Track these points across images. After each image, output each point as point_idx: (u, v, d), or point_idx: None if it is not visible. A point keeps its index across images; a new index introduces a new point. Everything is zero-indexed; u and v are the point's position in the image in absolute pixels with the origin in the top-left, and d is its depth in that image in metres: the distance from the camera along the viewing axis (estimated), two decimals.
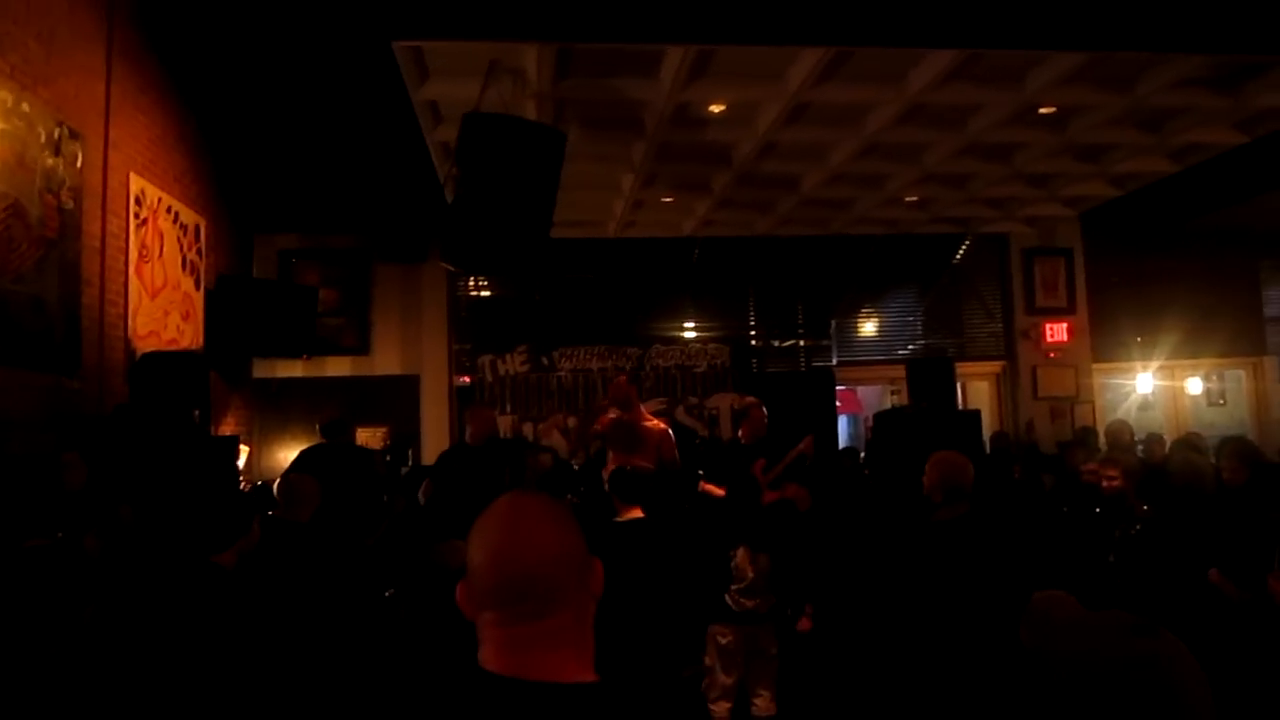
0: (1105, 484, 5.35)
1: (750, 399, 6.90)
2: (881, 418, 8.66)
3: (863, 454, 9.68)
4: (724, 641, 4.87)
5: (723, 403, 9.93)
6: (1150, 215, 9.51)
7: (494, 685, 1.31)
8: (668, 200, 8.74)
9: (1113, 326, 10.83)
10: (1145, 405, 11.20)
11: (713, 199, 8.53)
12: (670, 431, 6.81)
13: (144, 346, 6.46)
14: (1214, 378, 11.61)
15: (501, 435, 9.36)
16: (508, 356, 9.89)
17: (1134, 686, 1.34)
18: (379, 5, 4.94)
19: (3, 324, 4.81)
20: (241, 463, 7.62)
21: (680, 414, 9.95)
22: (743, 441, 6.53)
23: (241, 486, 6.95)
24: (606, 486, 6.52)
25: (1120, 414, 10.95)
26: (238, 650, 2.92)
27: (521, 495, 1.49)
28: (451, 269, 6.78)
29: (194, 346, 7.39)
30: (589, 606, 1.41)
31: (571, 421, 9.85)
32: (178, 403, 6.01)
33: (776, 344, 10.79)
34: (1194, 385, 11.49)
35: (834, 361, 10.63)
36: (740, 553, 4.91)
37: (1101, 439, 8.73)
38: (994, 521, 4.44)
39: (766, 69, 5.91)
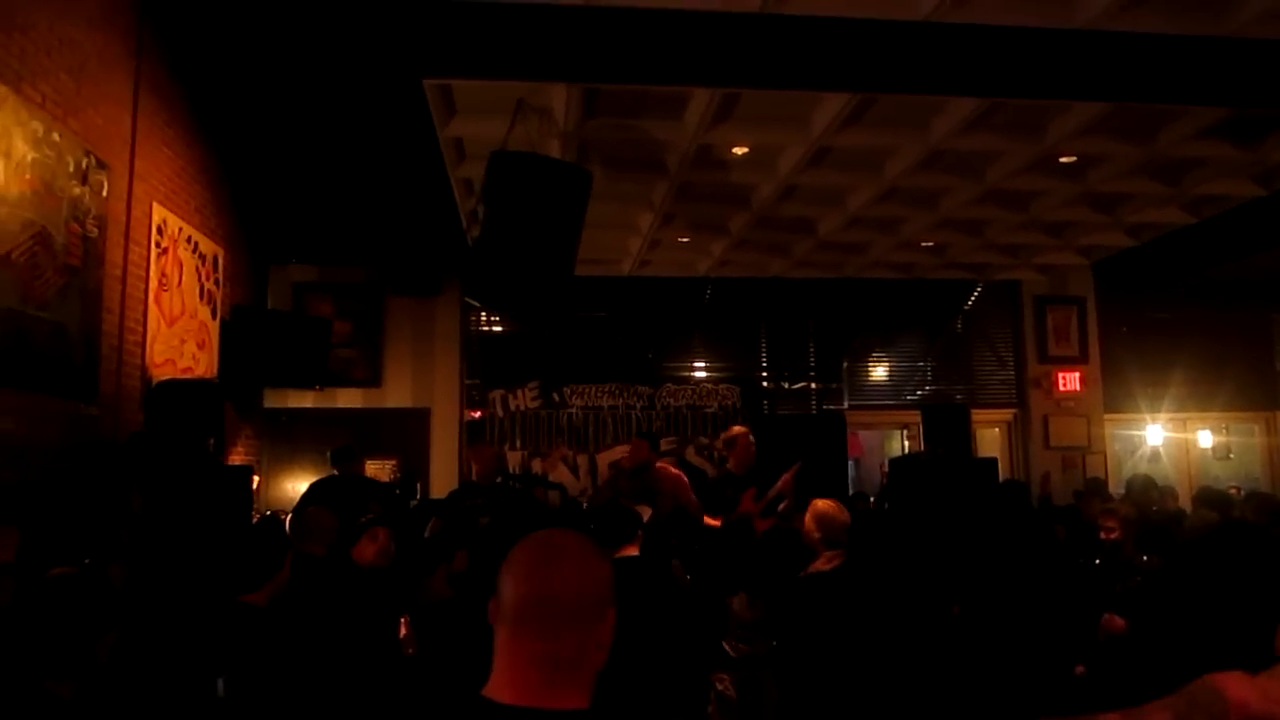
0: (1104, 534, 5.31)
1: (737, 428, 6.87)
2: (898, 464, 8.60)
3: (872, 499, 9.61)
4: (722, 688, 4.82)
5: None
6: (1164, 266, 9.53)
7: (495, 714, 1.41)
8: (684, 240, 8.77)
9: (1123, 377, 10.79)
10: (1155, 457, 11.15)
11: (729, 240, 8.57)
12: (684, 477, 6.78)
13: (160, 374, 6.44)
14: (1222, 431, 11.57)
15: (511, 470, 9.34)
16: (519, 392, 9.86)
17: None
18: (412, 43, 4.98)
19: (25, 350, 4.79)
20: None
21: (690, 454, 9.89)
22: (733, 472, 6.51)
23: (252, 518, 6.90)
24: None
25: (1130, 465, 10.93)
26: (262, 691, 2.87)
27: (565, 531, 1.60)
28: (476, 303, 6.79)
29: (208, 375, 7.36)
30: (596, 649, 1.49)
31: (580, 459, 9.81)
32: (193, 431, 5.98)
33: (787, 386, 10.76)
34: (1204, 438, 11.44)
35: (845, 405, 10.60)
36: (738, 599, 4.86)
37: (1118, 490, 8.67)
38: (871, 573, 4.40)
39: (791, 113, 5.96)
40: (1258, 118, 6.09)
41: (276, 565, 3.13)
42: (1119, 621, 4.80)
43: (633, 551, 5.06)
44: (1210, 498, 6.98)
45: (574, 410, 9.91)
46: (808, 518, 4.51)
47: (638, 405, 9.99)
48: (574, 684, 1.45)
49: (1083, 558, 6.42)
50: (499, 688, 1.45)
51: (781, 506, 6.25)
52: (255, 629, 2.96)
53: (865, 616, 4.23)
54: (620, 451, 8.87)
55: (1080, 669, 4.86)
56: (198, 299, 7.27)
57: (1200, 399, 10.74)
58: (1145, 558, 5.10)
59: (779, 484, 6.25)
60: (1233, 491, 9.10)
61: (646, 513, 5.78)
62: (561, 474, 9.60)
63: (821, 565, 4.39)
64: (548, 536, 1.57)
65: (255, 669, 2.81)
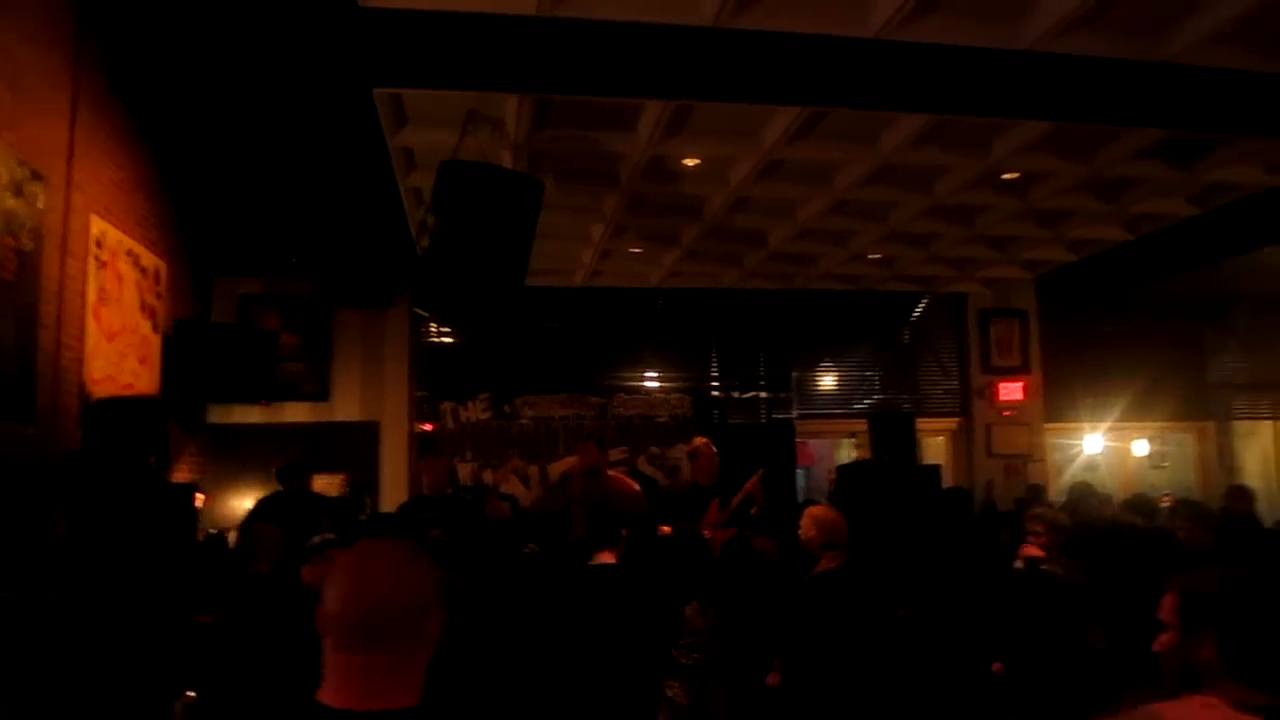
0: (1031, 539, 5.42)
1: (699, 439, 6.90)
2: (845, 471, 8.71)
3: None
4: (671, 694, 4.85)
5: (683, 453, 9.91)
6: (1103, 281, 9.78)
7: (326, 718, 1.48)
8: (636, 251, 8.78)
9: (1064, 387, 11.07)
10: (1092, 465, 11.42)
11: (681, 251, 8.60)
12: (641, 492, 6.78)
13: (100, 391, 6.25)
14: (1156, 441, 11.90)
15: (462, 483, 9.26)
16: (469, 404, 9.79)
17: None
18: (361, 53, 4.92)
19: None
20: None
21: (642, 463, 9.91)
22: (700, 483, 6.53)
23: (198, 536, 6.74)
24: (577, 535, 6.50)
25: (1069, 474, 11.19)
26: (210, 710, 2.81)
27: (380, 541, 1.68)
28: (425, 315, 6.72)
29: (150, 391, 7.17)
30: (421, 650, 1.57)
31: (532, 470, 9.76)
32: (133, 449, 5.82)
33: (737, 395, 10.83)
34: (1140, 447, 11.75)
35: (794, 414, 10.70)
36: (691, 607, 4.92)
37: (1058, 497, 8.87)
38: (871, 572, 4.72)
39: (742, 126, 6.01)
40: (1192, 140, 6.29)
41: (231, 585, 3.07)
42: (1036, 550, 5.01)
43: (609, 559, 5.11)
44: (1136, 505, 7.27)
45: (525, 421, 9.87)
46: (805, 523, 4.77)
47: (589, 415, 9.98)
48: (403, 685, 1.53)
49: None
50: (329, 693, 1.51)
51: (753, 511, 6.28)
52: (208, 647, 2.90)
53: (871, 610, 4.54)
54: (572, 462, 8.84)
55: (998, 666, 4.99)
56: (139, 313, 7.09)
57: (1137, 409, 11.02)
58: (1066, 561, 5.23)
59: (744, 490, 6.29)
60: (1165, 500, 9.38)
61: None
62: (513, 485, 9.53)
63: (827, 565, 4.63)
64: (369, 548, 1.64)
65: (208, 687, 2.75)
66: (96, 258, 6.27)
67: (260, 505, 6.87)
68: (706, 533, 6.15)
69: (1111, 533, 6.58)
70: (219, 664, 2.86)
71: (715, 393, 10.74)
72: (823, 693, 4.43)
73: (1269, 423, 11.64)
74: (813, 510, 4.85)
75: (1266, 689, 2.00)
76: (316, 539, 4.73)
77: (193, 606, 2.96)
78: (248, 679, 2.91)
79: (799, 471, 11.61)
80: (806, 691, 4.54)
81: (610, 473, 7.05)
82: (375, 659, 1.51)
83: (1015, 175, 6.84)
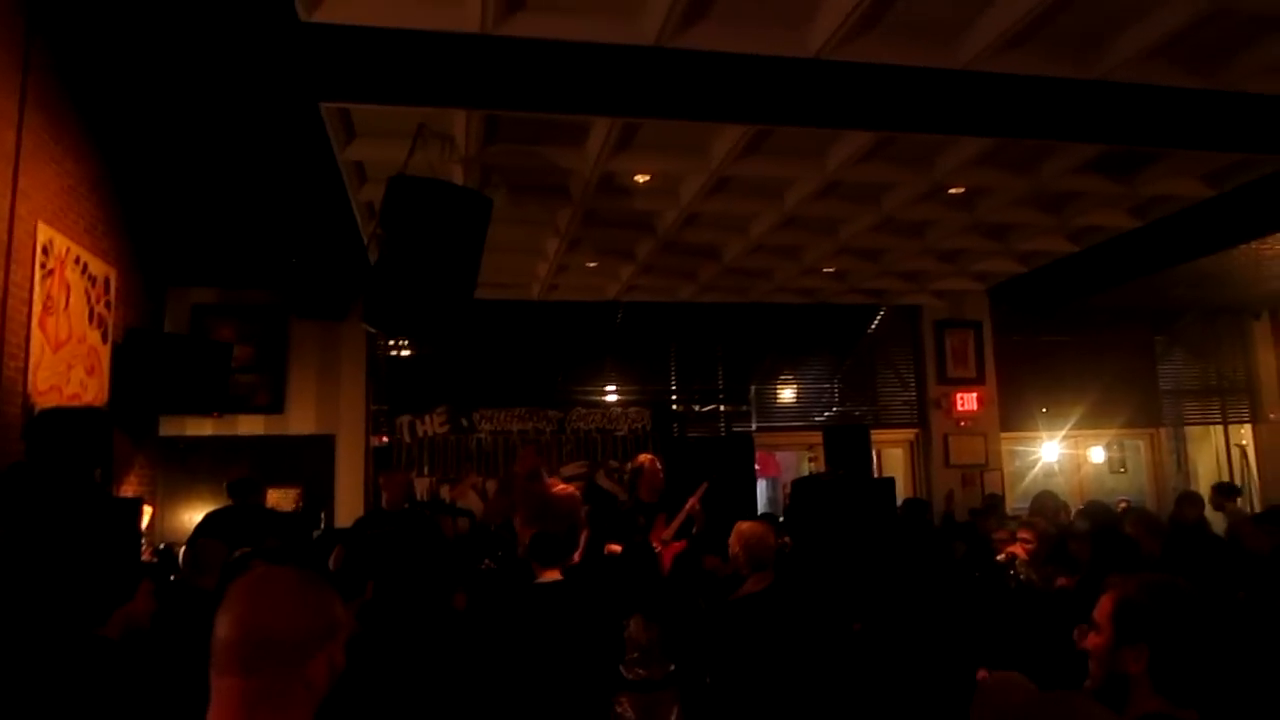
0: (1020, 546, 5.50)
1: (643, 456, 6.89)
2: (799, 484, 8.77)
3: (781, 519, 9.76)
4: (620, 711, 4.85)
5: None
6: (1053, 291, 9.93)
7: None
8: (592, 265, 8.82)
9: (1019, 397, 11.22)
10: (1050, 472, 11.60)
11: (636, 265, 8.64)
12: (580, 498, 6.80)
13: (44, 402, 6.21)
14: (1115, 447, 12.11)
15: (419, 498, 9.23)
16: (427, 417, 9.76)
17: None
18: (309, 67, 4.93)
19: None
20: (144, 525, 7.32)
21: (600, 477, 9.92)
22: (644, 499, 6.55)
23: (143, 552, 6.68)
24: (521, 553, 6.50)
25: (1027, 481, 11.36)
26: None
27: (280, 570, 1.65)
28: (373, 330, 6.71)
29: (98, 402, 7.13)
30: (305, 688, 1.54)
31: (490, 485, 9.73)
32: (78, 461, 5.78)
33: (697, 408, 10.89)
34: (1096, 454, 11.96)
35: (753, 427, 10.77)
36: (634, 622, 4.91)
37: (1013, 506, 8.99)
38: (798, 593, 4.60)
39: (691, 142, 6.07)
40: (1129, 154, 6.43)
41: (124, 595, 3.05)
42: (1018, 549, 5.14)
43: (555, 576, 5.12)
44: (1090, 511, 7.40)
45: (483, 435, 9.85)
46: (732, 539, 4.63)
47: (548, 429, 9.98)
48: (284, 718, 1.51)
49: (979, 571, 6.66)
50: (210, 714, 1.51)
51: (696, 529, 6.31)
52: (103, 663, 2.87)
53: (797, 635, 4.40)
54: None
55: (983, 673, 5.04)
56: (87, 323, 7.04)
57: (1091, 417, 11.20)
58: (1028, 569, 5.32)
59: (686, 506, 6.32)
60: (1121, 505, 9.56)
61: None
62: (471, 500, 9.51)
63: (751, 587, 4.52)
64: (263, 575, 1.64)
65: (106, 705, 2.74)
66: (43, 265, 6.24)
67: (207, 520, 6.82)
68: (656, 546, 6.18)
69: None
70: (134, 677, 2.85)
71: (675, 406, 10.79)
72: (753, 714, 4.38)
73: (1219, 427, 11.87)
74: (741, 526, 4.68)
75: (1191, 706, 1.97)
76: (241, 552, 4.69)
77: (96, 619, 2.93)
78: (159, 694, 2.90)
79: (764, 483, 11.70)
80: (739, 710, 4.50)
81: (560, 487, 7.04)
82: (254, 684, 1.49)
83: (961, 190, 6.96)
